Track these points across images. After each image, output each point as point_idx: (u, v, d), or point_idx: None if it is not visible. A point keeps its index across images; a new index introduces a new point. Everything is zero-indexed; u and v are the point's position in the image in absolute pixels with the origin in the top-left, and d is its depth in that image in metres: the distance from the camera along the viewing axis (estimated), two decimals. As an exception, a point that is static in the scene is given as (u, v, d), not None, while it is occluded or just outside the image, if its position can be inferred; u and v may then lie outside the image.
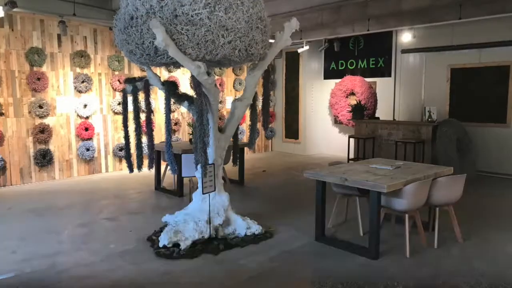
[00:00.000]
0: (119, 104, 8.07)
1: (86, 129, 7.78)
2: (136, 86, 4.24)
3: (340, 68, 10.30)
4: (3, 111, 6.85)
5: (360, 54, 9.87)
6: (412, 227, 4.29)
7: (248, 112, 4.60)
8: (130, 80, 4.33)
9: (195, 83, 3.78)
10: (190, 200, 4.57)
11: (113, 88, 8.15)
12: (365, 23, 7.81)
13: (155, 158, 6.27)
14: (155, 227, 4.62)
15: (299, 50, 9.72)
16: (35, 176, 7.24)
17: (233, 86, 10.26)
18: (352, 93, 9.67)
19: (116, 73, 8.20)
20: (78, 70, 7.68)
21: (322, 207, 4.25)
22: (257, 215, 4.98)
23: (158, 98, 8.62)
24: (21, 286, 3.34)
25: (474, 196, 6.13)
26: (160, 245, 3.98)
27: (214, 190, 4.14)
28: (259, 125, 8.63)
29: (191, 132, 6.53)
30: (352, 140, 8.75)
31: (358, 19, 7.70)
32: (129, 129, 4.33)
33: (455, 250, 4.06)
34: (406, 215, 3.96)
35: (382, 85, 9.49)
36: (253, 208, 5.48)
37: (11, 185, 6.98)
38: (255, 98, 4.53)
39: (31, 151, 7.17)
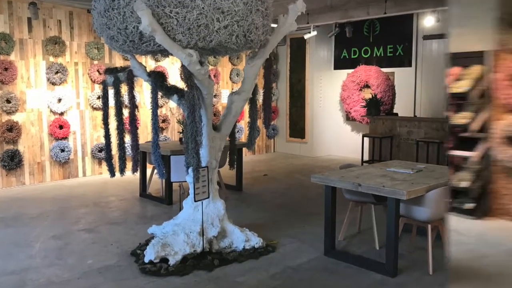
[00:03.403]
0: (98, 98, 8.08)
1: (61, 127, 7.80)
2: (118, 78, 4.25)
3: (352, 56, 10.31)
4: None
5: (375, 40, 9.88)
6: (435, 239, 4.30)
7: (247, 108, 4.61)
8: (111, 71, 4.34)
9: (186, 74, 3.79)
10: (180, 208, 4.58)
11: (91, 79, 8.16)
12: (381, 5, 7.82)
13: (140, 160, 6.28)
14: (140, 240, 4.63)
15: (306, 36, 9.73)
16: (2, 181, 7.25)
17: (230, 78, 10.27)
18: (367, 86, 9.68)
19: (95, 62, 8.21)
20: (51, 59, 7.69)
21: (332, 216, 4.26)
22: (257, 225, 4.99)
23: (143, 91, 8.63)
24: (-15, 308, 3.34)
25: (507, 204, 6.14)
26: (146, 260, 3.99)
27: (208, 197, 4.15)
28: (259, 123, 8.64)
29: (181, 131, 6.54)
30: (366, 139, 8.76)
31: (373, 0, 7.71)
32: (110, 127, 4.34)
33: (485, 266, 4.07)
34: (429, 226, 3.97)
35: (401, 76, 9.51)
36: (252, 218, 5.49)
37: (-25, 191, 7.00)
38: (255, 92, 4.54)
39: (-3, 152, 7.19)
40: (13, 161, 7.26)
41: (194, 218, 4.25)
